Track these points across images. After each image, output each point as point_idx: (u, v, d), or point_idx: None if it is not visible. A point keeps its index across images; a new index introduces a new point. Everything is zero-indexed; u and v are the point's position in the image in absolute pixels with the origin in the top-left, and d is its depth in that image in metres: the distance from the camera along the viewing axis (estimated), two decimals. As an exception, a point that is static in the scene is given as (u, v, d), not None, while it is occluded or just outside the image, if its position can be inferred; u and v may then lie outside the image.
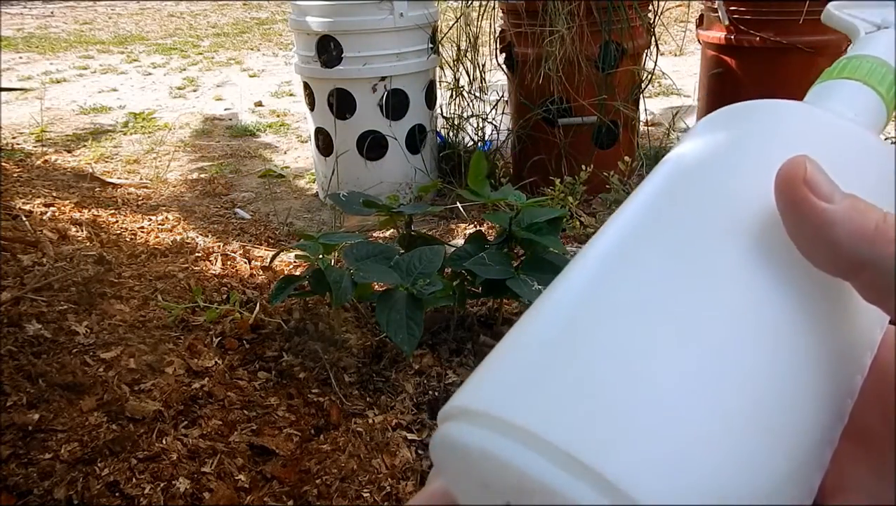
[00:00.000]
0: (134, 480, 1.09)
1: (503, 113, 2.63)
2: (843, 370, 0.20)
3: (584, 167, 2.16)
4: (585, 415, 0.17)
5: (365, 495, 1.15)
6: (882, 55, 0.27)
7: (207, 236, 2.11)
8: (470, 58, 2.53)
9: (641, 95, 2.51)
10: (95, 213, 2.16)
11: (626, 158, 2.26)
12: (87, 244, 1.83)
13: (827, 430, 0.19)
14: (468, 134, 2.65)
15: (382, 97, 2.41)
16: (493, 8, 2.50)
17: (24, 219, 1.86)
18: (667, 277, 0.19)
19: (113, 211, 2.24)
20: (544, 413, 0.17)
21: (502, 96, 2.64)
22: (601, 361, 0.18)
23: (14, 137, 3.41)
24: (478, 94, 2.60)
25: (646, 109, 2.57)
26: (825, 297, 0.20)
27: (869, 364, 0.21)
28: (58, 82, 5.06)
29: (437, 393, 1.38)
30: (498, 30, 2.53)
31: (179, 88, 4.76)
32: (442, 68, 2.60)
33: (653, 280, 0.19)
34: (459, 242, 1.82)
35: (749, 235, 0.20)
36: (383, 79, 2.39)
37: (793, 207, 0.19)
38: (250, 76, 5.15)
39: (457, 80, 2.57)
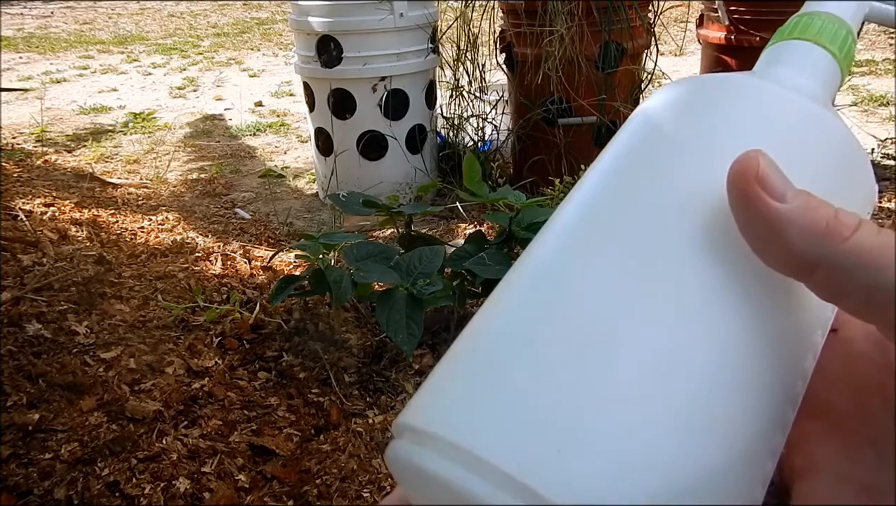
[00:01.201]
0: (134, 480, 1.09)
1: (503, 113, 2.63)
2: (792, 354, 0.20)
3: (583, 167, 2.16)
4: (521, 432, 0.17)
5: (365, 495, 1.15)
6: (834, 10, 0.25)
7: (207, 236, 2.11)
8: (470, 58, 2.53)
9: (641, 95, 2.51)
10: (95, 213, 2.16)
11: (626, 158, 2.25)
12: (87, 244, 1.83)
13: (776, 415, 0.19)
14: (468, 134, 2.65)
15: (382, 97, 2.41)
16: (493, 8, 2.50)
17: (24, 219, 1.86)
18: (608, 279, 0.19)
19: (113, 211, 2.24)
20: (484, 432, 0.17)
21: (502, 96, 2.64)
22: (539, 376, 0.18)
23: (14, 137, 3.41)
24: (478, 94, 2.60)
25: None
26: (771, 282, 0.19)
27: (822, 343, 0.21)
28: (58, 82, 5.06)
29: (437, 393, 1.38)
30: (498, 30, 2.53)
31: (179, 88, 4.76)
32: (442, 68, 2.60)
33: (594, 283, 0.19)
34: (459, 242, 1.82)
35: (693, 227, 0.20)
36: (383, 79, 2.39)
37: (745, 205, 0.19)
38: (250, 76, 5.14)
39: (457, 80, 2.57)
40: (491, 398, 0.18)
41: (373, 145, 2.47)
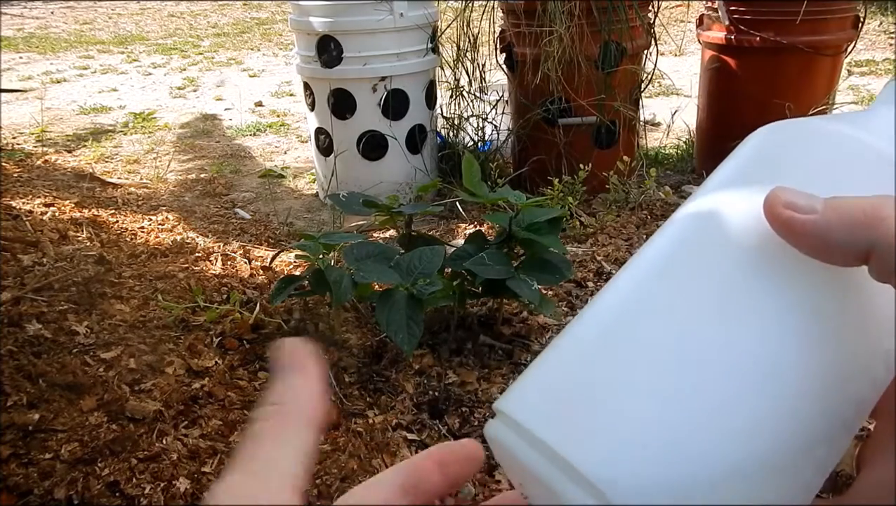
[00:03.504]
0: (134, 480, 1.09)
1: (503, 113, 2.63)
2: (853, 364, 0.21)
3: (582, 167, 2.16)
4: (594, 437, 0.20)
5: (365, 494, 1.15)
6: None
7: (207, 236, 2.11)
8: (470, 58, 2.53)
9: (641, 95, 2.51)
10: (95, 213, 2.16)
11: (626, 158, 2.26)
12: (87, 244, 1.83)
13: (836, 419, 0.21)
14: (468, 134, 2.65)
15: (382, 97, 2.41)
16: (493, 8, 2.50)
17: (24, 219, 1.86)
18: (680, 312, 0.22)
19: (113, 211, 2.24)
20: (564, 431, 0.20)
21: (502, 96, 2.64)
22: (613, 390, 0.21)
23: (14, 137, 3.41)
24: (478, 94, 2.60)
25: (644, 109, 2.56)
26: (837, 303, 0.21)
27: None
28: (58, 82, 5.06)
29: (437, 393, 1.38)
30: (498, 30, 2.53)
31: (179, 88, 4.76)
32: (442, 68, 2.60)
33: (666, 313, 0.22)
34: (459, 242, 1.82)
35: (752, 250, 0.22)
36: (383, 79, 2.39)
37: (786, 228, 0.21)
38: (250, 76, 5.14)
39: (457, 80, 2.57)
40: (574, 402, 0.21)
41: (373, 145, 2.47)
